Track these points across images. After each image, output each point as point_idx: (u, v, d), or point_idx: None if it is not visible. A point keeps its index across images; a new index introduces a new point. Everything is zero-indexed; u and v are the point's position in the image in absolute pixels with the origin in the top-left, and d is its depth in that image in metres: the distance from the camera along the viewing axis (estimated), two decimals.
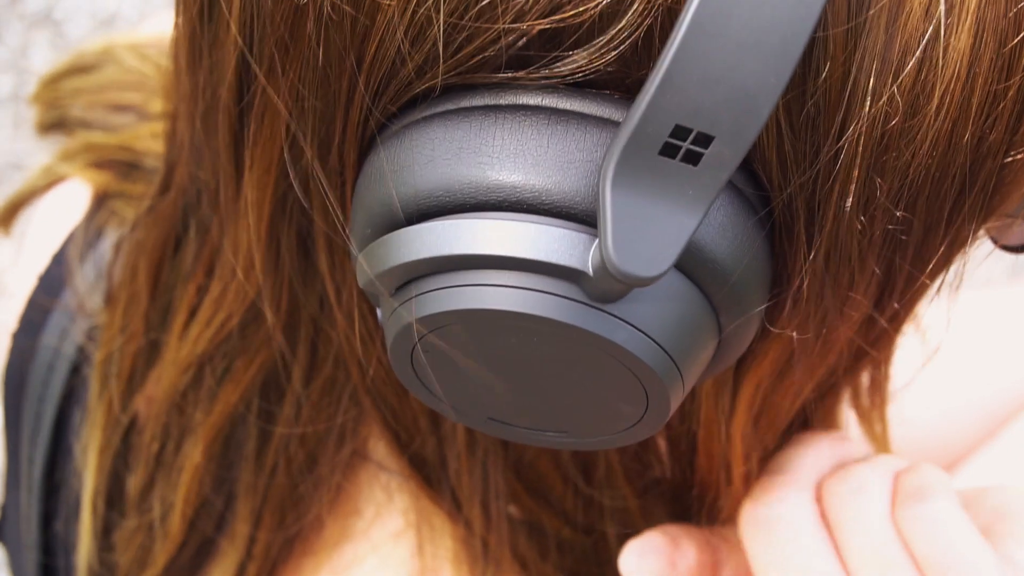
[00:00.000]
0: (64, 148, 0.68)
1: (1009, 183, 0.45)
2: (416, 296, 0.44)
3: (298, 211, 0.49)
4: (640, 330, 0.43)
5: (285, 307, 0.53)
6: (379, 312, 0.47)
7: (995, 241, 0.51)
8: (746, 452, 0.54)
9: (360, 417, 0.57)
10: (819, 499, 0.52)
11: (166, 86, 0.55)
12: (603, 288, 0.42)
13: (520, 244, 0.42)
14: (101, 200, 0.66)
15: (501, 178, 0.42)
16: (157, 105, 0.67)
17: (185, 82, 0.50)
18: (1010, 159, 0.44)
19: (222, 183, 0.50)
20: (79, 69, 0.71)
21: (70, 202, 0.68)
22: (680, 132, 0.40)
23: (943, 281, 0.49)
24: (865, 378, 0.56)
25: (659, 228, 0.40)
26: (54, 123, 0.70)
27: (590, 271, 0.42)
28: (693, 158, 0.40)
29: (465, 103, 0.43)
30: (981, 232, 0.48)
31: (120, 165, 0.66)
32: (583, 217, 0.42)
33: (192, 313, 0.56)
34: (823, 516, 0.52)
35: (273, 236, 0.50)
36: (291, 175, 0.47)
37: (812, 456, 0.54)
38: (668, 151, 0.40)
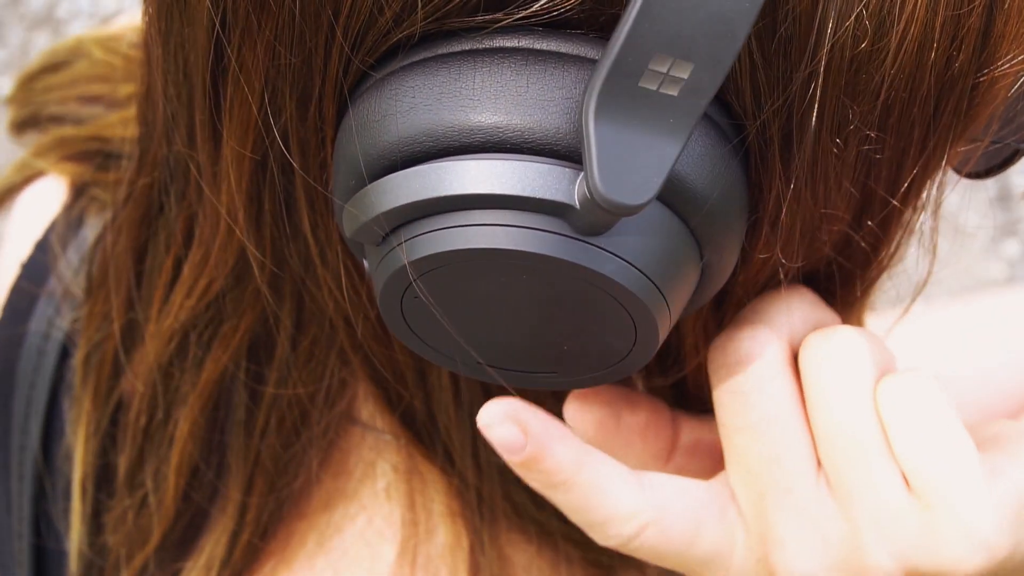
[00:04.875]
0: (37, 144, 0.69)
1: (979, 104, 0.46)
2: (405, 241, 0.45)
3: (279, 171, 0.50)
4: (627, 261, 0.44)
5: (269, 269, 0.53)
6: (366, 264, 0.48)
7: (958, 172, 0.52)
8: None
9: (348, 377, 0.57)
10: (794, 353, 0.50)
11: (136, 68, 0.56)
12: (590, 220, 0.43)
13: (507, 182, 0.43)
14: (79, 190, 0.67)
15: (483, 120, 0.43)
16: (124, 91, 0.68)
17: (158, 51, 0.50)
18: (980, 80, 0.45)
19: (200, 149, 0.51)
20: (51, 67, 0.72)
21: (48, 195, 0.69)
22: (659, 61, 0.41)
23: (919, 208, 0.50)
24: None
25: (642, 157, 0.42)
26: (26, 121, 0.71)
27: (576, 204, 0.43)
28: (673, 86, 0.41)
29: (443, 50, 0.44)
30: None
31: (93, 155, 0.67)
32: (565, 154, 0.43)
33: (173, 283, 0.56)
34: (795, 370, 0.50)
35: (254, 198, 0.51)
36: (271, 134, 0.47)
37: (786, 308, 0.51)
38: (648, 80, 0.41)
